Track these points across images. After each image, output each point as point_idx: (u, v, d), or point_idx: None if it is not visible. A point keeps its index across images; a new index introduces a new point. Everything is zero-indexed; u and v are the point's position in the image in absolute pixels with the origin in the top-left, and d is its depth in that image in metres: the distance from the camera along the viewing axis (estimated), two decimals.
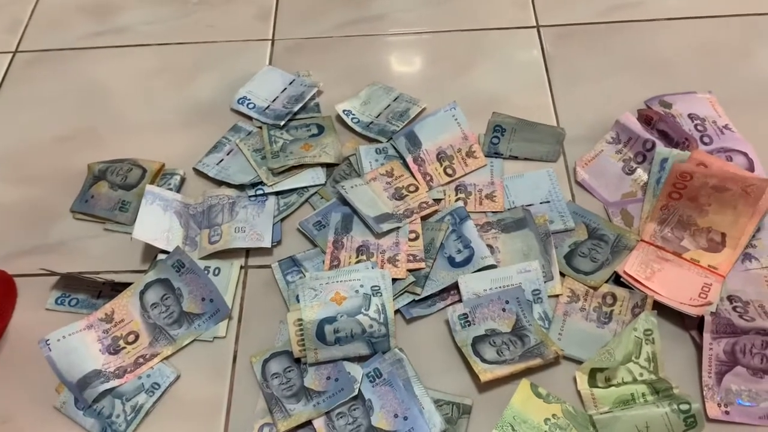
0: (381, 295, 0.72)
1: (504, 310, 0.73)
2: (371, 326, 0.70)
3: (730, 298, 0.73)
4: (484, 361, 0.70)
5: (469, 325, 0.73)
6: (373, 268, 0.76)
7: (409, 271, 0.77)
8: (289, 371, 0.71)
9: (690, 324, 0.73)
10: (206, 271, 0.79)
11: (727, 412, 0.67)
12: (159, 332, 0.75)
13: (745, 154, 0.84)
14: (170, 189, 0.86)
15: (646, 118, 0.88)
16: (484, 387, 0.70)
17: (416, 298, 0.76)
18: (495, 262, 0.77)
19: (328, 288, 0.73)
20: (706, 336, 0.69)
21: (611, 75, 0.96)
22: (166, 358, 0.74)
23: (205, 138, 0.92)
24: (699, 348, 0.71)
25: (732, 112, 0.89)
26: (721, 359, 0.69)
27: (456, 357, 0.73)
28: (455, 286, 0.76)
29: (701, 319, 0.70)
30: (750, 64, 0.96)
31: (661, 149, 0.82)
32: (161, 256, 0.80)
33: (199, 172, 0.89)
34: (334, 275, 0.74)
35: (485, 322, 0.73)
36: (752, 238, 0.77)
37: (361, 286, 0.73)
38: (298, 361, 0.71)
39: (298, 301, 0.72)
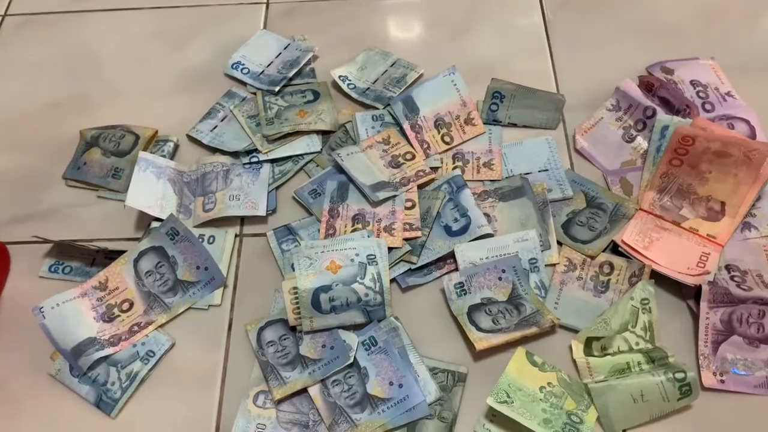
0: (377, 264, 0.72)
1: (500, 279, 0.73)
2: (367, 295, 0.70)
3: (728, 267, 0.72)
4: (479, 329, 0.70)
5: (464, 294, 0.72)
6: (368, 236, 0.75)
7: (405, 239, 0.76)
8: (285, 339, 0.71)
9: (687, 293, 0.72)
10: (201, 239, 0.78)
11: (722, 381, 0.67)
12: (153, 300, 0.75)
13: (747, 122, 0.83)
14: (164, 156, 0.85)
15: (647, 85, 0.86)
16: (479, 355, 0.70)
17: (412, 267, 0.75)
18: (492, 231, 0.76)
19: (323, 256, 0.72)
20: (703, 305, 0.69)
21: (613, 40, 0.94)
22: (161, 326, 0.74)
23: (198, 104, 0.90)
24: (696, 317, 0.70)
25: (735, 77, 0.88)
26: (717, 328, 0.68)
27: (451, 325, 0.73)
28: (451, 255, 0.75)
29: (698, 288, 0.70)
30: (755, 28, 0.94)
31: (662, 117, 0.80)
32: (155, 224, 0.79)
33: (192, 139, 0.87)
34: (330, 244, 0.74)
35: (481, 290, 0.72)
36: (752, 207, 0.76)
37: (357, 254, 0.72)
38: (293, 329, 0.71)
39: (294, 270, 0.71)
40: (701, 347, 0.68)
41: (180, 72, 0.95)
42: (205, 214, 0.79)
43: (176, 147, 0.87)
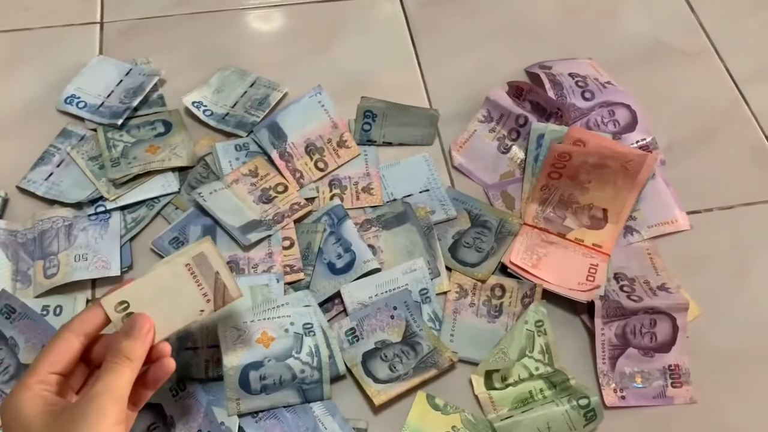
0: (314, 335, 0.64)
1: (393, 317, 0.68)
2: (303, 371, 0.62)
3: (616, 277, 0.72)
4: (377, 380, 0.64)
5: (357, 341, 0.67)
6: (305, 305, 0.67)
7: (288, 284, 0.69)
8: (155, 428, 0.61)
9: (580, 308, 0.71)
10: (45, 312, 0.67)
11: (623, 398, 0.66)
12: None
13: (628, 107, 0.82)
14: None
15: (516, 91, 0.84)
16: (379, 405, 0.65)
17: None
18: (378, 264, 0.71)
19: (253, 326, 0.64)
20: (598, 321, 0.67)
21: (483, 43, 0.91)
22: None
23: (28, 148, 0.78)
24: (590, 332, 0.69)
25: (612, 74, 0.87)
26: (613, 343, 0.67)
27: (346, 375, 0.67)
28: (338, 295, 0.69)
29: (591, 303, 0.68)
30: (618, 24, 0.94)
31: (537, 125, 0.78)
32: None
33: (24, 191, 0.75)
34: (261, 311, 0.66)
35: (374, 333, 0.67)
36: (632, 210, 0.76)
37: (292, 323, 0.64)
38: (162, 414, 0.62)
39: None
40: (600, 365, 0.67)
41: (2, 111, 0.81)
42: (47, 281, 0.68)
43: (5, 202, 0.74)
